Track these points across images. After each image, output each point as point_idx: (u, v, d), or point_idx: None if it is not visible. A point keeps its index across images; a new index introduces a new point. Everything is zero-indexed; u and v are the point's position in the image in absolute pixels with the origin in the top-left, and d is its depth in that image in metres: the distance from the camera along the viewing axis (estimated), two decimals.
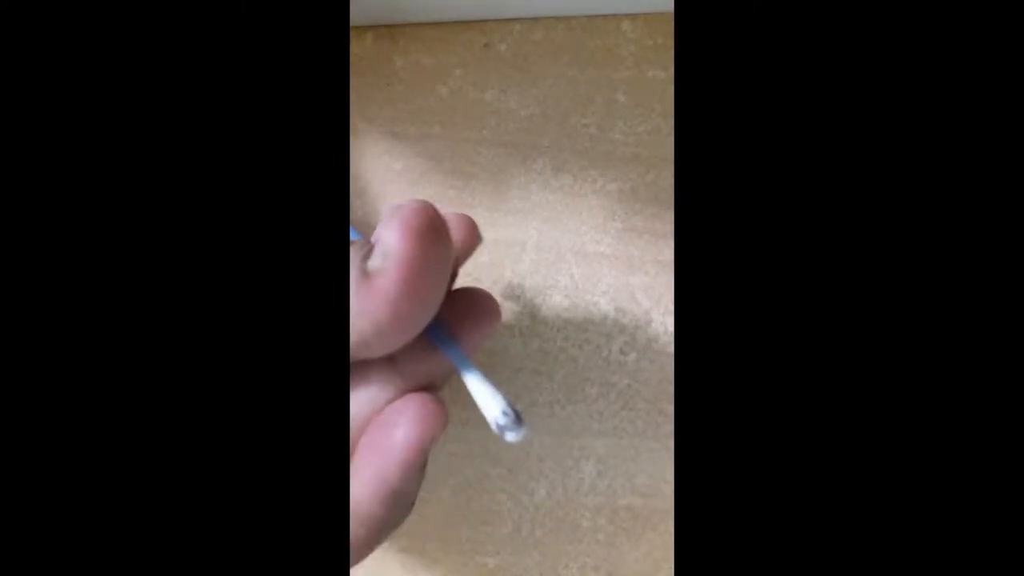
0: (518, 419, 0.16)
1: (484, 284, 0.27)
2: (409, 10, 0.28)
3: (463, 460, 0.26)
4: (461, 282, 0.21)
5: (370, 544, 0.16)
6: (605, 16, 0.28)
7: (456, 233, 0.18)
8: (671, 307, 0.26)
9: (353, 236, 0.20)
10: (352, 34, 0.29)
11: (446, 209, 0.27)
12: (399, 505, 0.16)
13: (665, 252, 0.26)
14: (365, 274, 0.15)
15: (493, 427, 0.16)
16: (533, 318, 0.26)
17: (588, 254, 0.27)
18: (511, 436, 0.16)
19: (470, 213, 0.27)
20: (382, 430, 0.16)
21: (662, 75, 0.27)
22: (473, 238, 0.19)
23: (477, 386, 0.17)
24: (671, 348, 0.26)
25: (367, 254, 0.16)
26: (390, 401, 0.17)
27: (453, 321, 0.18)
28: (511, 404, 0.16)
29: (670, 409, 0.26)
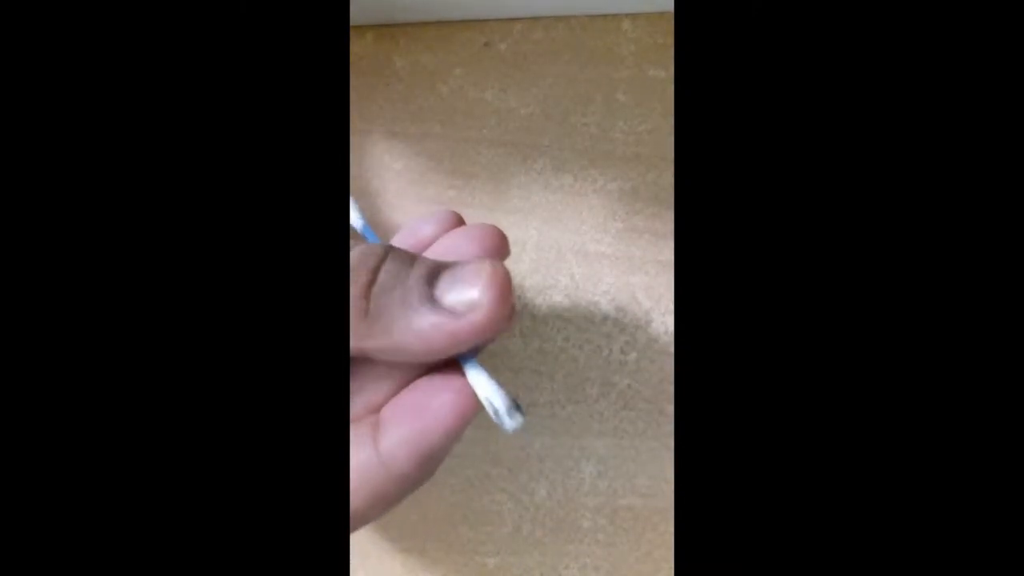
0: (516, 407, 0.16)
1: None
2: (409, 9, 0.28)
3: (464, 460, 0.26)
4: None
5: (389, 504, 0.17)
6: (605, 16, 0.28)
7: (488, 244, 0.20)
8: (671, 307, 0.26)
9: (371, 238, 0.20)
10: (352, 34, 0.29)
11: (445, 210, 0.27)
12: (429, 470, 0.17)
13: (665, 252, 0.26)
14: (433, 299, 0.16)
15: (491, 415, 0.17)
16: (533, 318, 0.26)
17: (589, 254, 0.27)
18: (509, 423, 0.16)
19: (470, 213, 0.27)
20: (422, 395, 0.17)
21: (662, 74, 0.27)
22: (504, 250, 0.20)
23: (475, 376, 0.17)
24: (671, 348, 0.26)
25: (431, 276, 0.17)
26: (392, 391, 0.18)
27: None
28: (509, 393, 0.17)
29: (670, 409, 0.26)
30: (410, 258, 0.17)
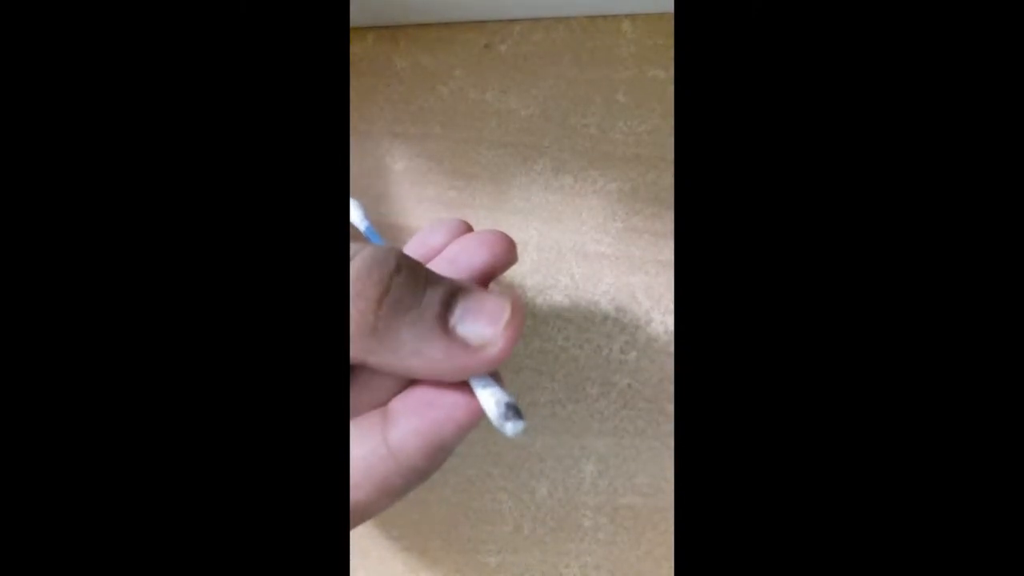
0: (517, 413, 0.16)
1: None
2: (410, 10, 0.28)
3: (464, 459, 0.26)
4: None
5: (395, 496, 0.17)
6: (605, 17, 0.28)
7: (498, 249, 0.20)
8: (671, 306, 0.26)
9: (375, 240, 0.20)
10: (352, 34, 0.29)
11: (448, 209, 0.27)
12: (437, 462, 0.17)
13: (665, 252, 0.26)
14: (448, 327, 0.16)
15: (493, 420, 0.16)
16: (534, 318, 0.26)
17: (589, 254, 0.27)
18: (511, 429, 0.16)
19: (471, 213, 0.27)
20: (433, 389, 0.17)
21: (662, 75, 0.27)
22: (512, 256, 0.20)
23: (476, 381, 0.17)
24: (671, 347, 0.26)
25: (447, 301, 0.16)
26: (397, 388, 0.17)
27: None
28: (511, 398, 0.17)
29: (670, 408, 0.26)
30: (424, 275, 0.17)
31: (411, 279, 0.16)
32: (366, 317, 0.15)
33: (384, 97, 0.29)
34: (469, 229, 0.21)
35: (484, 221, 0.27)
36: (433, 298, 0.16)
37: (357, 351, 0.16)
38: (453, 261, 0.20)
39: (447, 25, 0.29)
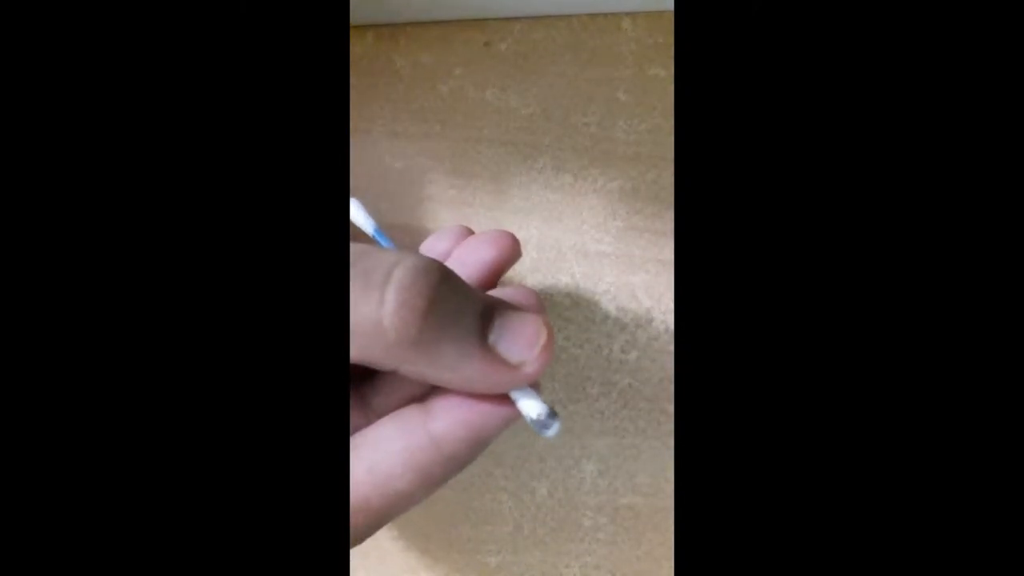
0: (553, 414, 0.17)
1: None
2: (409, 9, 0.28)
3: None
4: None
5: (435, 486, 0.17)
6: (605, 15, 0.28)
7: (504, 247, 0.21)
8: (672, 306, 0.26)
9: (383, 243, 0.20)
10: (352, 34, 0.29)
11: (448, 208, 0.27)
12: (476, 454, 0.17)
13: (666, 251, 0.26)
14: (487, 343, 0.17)
15: (532, 426, 0.17)
16: None
17: (589, 253, 0.27)
18: (549, 432, 0.17)
19: (471, 212, 0.27)
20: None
21: (662, 73, 0.27)
22: (517, 252, 0.21)
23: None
24: (672, 347, 0.26)
25: (486, 317, 0.17)
26: (414, 398, 0.18)
27: None
28: (548, 406, 0.17)
29: (671, 408, 0.26)
30: (465, 288, 0.17)
31: (456, 292, 0.16)
32: (409, 328, 0.15)
33: (384, 96, 0.28)
34: (471, 234, 0.22)
35: (484, 220, 0.27)
36: (474, 314, 0.16)
37: (392, 359, 0.16)
38: (463, 262, 0.20)
39: (447, 23, 0.29)
